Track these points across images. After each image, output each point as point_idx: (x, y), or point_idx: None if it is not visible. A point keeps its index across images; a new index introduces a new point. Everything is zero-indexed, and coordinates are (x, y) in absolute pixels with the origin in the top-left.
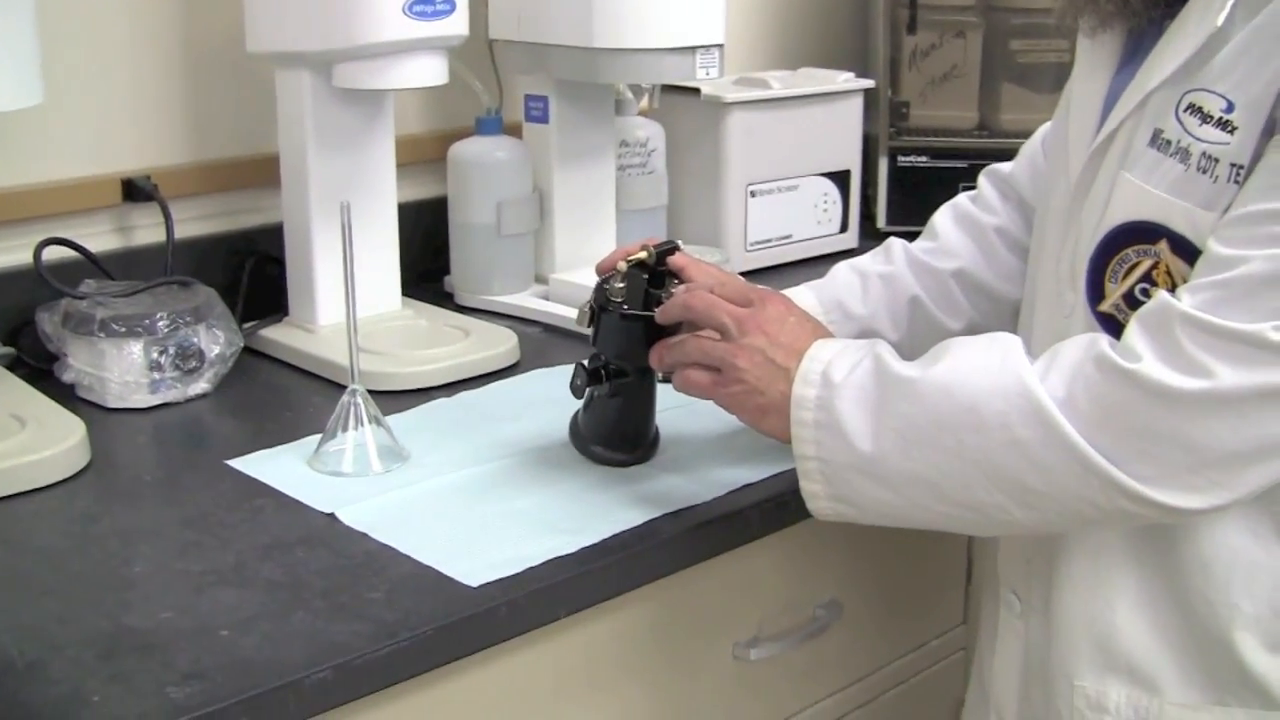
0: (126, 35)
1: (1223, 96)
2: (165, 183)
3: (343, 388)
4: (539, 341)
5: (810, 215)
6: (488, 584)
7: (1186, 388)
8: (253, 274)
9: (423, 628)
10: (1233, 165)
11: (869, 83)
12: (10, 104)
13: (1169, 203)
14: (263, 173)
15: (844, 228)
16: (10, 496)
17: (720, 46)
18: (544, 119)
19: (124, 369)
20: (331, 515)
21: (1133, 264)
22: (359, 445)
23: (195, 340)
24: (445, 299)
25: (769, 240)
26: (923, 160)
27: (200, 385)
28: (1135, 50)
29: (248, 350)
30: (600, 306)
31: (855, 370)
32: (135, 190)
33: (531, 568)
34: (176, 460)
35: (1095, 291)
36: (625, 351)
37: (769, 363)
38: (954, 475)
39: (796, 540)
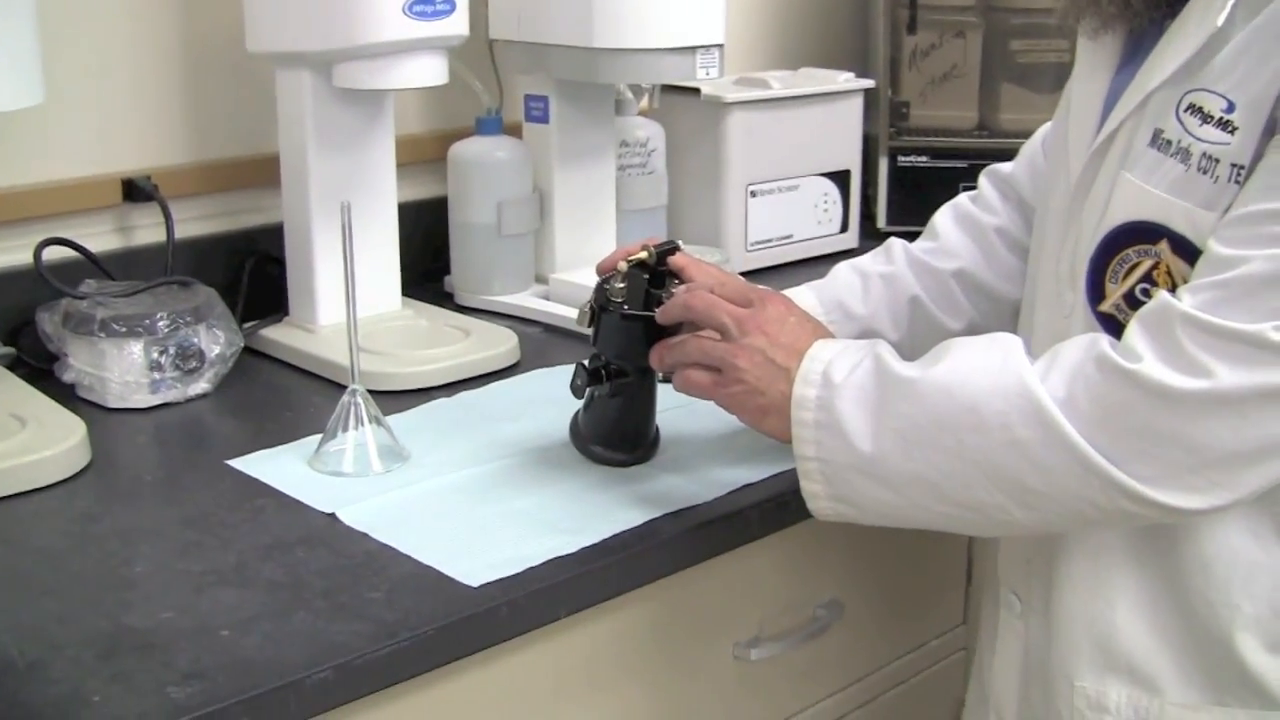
0: (127, 35)
1: (1223, 96)
2: (165, 183)
3: (343, 388)
4: (539, 341)
5: (810, 215)
6: (488, 584)
7: (1187, 388)
8: (253, 274)
9: (423, 628)
10: (1233, 165)
11: (869, 83)
12: (11, 104)
13: (1169, 203)
14: (263, 173)
15: (844, 228)
16: (10, 496)
17: (720, 46)
18: (544, 119)
19: (124, 369)
20: (332, 515)
21: (1133, 264)
22: (359, 445)
23: (195, 340)
24: (445, 299)
25: (769, 240)
26: (923, 160)
27: (200, 385)
28: (1135, 50)
29: (248, 350)
30: (601, 306)
31: (856, 370)
32: (135, 190)
33: (532, 568)
34: (177, 460)
35: (1095, 292)
36: (626, 351)
37: (769, 363)
38: (954, 475)
39: (797, 540)
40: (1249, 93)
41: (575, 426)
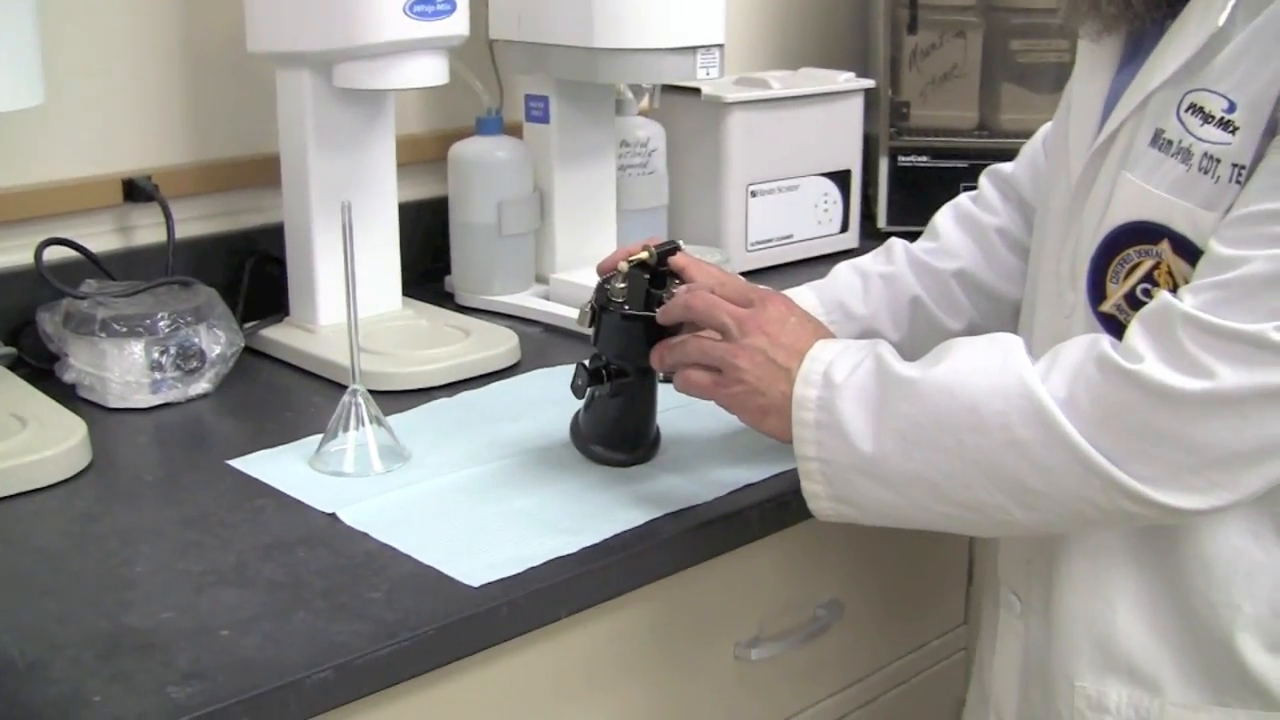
0: (127, 35)
1: (1224, 96)
2: (166, 183)
3: (343, 388)
4: (540, 341)
5: (811, 215)
6: (489, 584)
7: (1188, 388)
8: (253, 274)
9: (423, 628)
10: (1234, 165)
11: (869, 83)
12: (11, 104)
13: (1170, 203)
14: (263, 173)
15: (844, 228)
16: (11, 496)
17: (720, 46)
18: (544, 119)
19: (125, 369)
20: (332, 515)
21: (1134, 264)
22: (360, 445)
23: (196, 340)
24: (446, 299)
25: (770, 240)
26: (923, 160)
27: (201, 385)
28: (1136, 50)
29: (248, 350)
30: (601, 306)
31: (856, 371)
32: (136, 190)
33: (532, 568)
34: (177, 460)
35: (1096, 292)
36: (626, 351)
37: (770, 363)
38: (955, 475)
39: (797, 540)
40: (1250, 93)
41: (576, 426)
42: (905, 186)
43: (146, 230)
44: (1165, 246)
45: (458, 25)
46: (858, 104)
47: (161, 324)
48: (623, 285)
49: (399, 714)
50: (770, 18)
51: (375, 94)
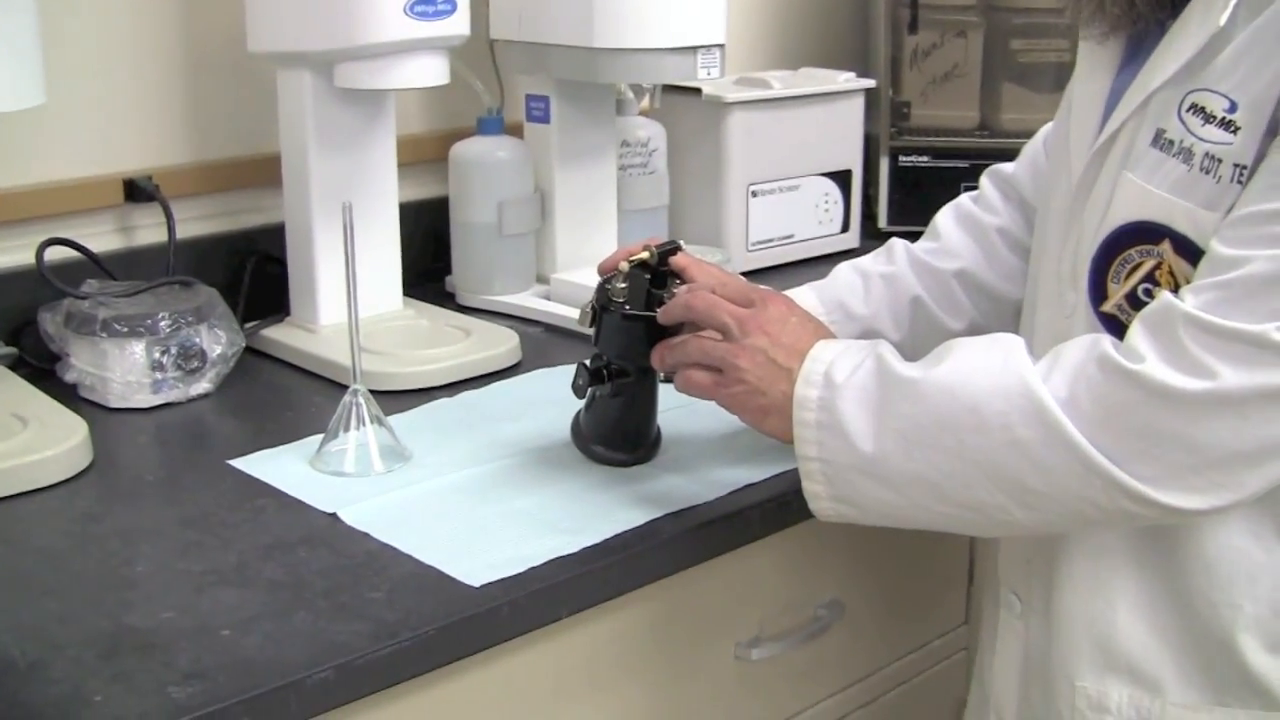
0: (128, 35)
1: (1225, 96)
2: (167, 183)
3: (344, 388)
4: (540, 341)
5: (811, 215)
6: (489, 584)
7: (1189, 388)
8: (254, 274)
9: (424, 628)
10: (1236, 165)
11: (870, 82)
12: (12, 104)
13: (1171, 203)
14: (264, 173)
15: (845, 228)
16: (12, 496)
17: (721, 46)
18: (545, 119)
19: (126, 369)
20: (333, 515)
21: (1135, 264)
22: (361, 445)
23: (197, 340)
24: (446, 299)
25: (770, 240)
26: (924, 160)
27: (202, 385)
28: (1137, 50)
29: (249, 350)
30: (602, 306)
31: (857, 371)
32: (137, 190)
33: (533, 568)
34: (178, 460)
35: (1097, 292)
36: (627, 351)
37: (771, 363)
38: (955, 476)
39: (798, 540)
40: (1251, 93)
41: (576, 426)
42: (906, 186)
43: (147, 230)
44: (1166, 246)
45: (458, 25)
46: (858, 104)
47: (162, 324)
48: (623, 285)
49: (399, 714)
50: (771, 18)
51: (376, 94)
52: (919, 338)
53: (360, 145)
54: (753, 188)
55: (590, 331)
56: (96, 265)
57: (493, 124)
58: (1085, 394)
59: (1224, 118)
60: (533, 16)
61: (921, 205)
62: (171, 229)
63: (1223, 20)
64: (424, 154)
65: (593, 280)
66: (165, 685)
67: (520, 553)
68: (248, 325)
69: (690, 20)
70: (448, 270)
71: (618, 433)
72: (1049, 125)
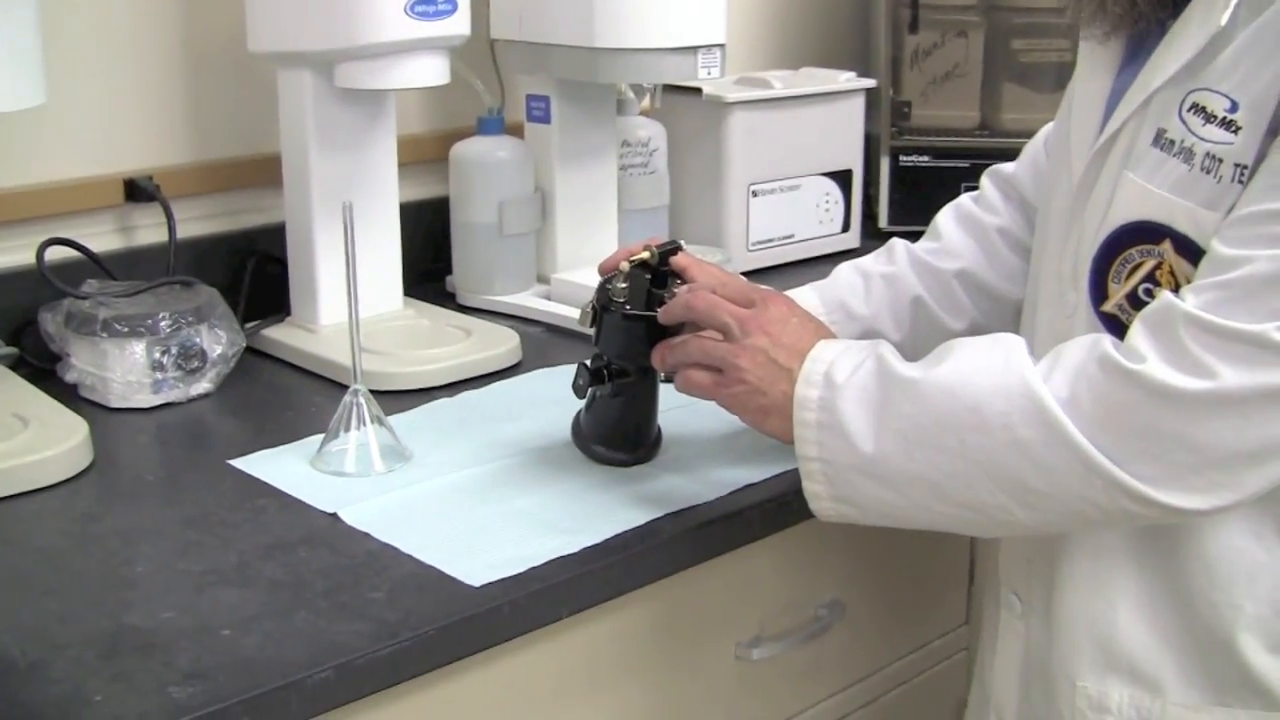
0: (128, 35)
1: (1226, 96)
2: (167, 183)
3: (345, 388)
4: (541, 341)
5: (812, 215)
6: (490, 584)
7: (1190, 388)
8: (255, 274)
9: (424, 628)
10: (1236, 165)
11: (870, 82)
12: (13, 104)
13: (1172, 202)
14: (264, 173)
15: (846, 228)
16: (12, 496)
17: (722, 46)
18: (545, 119)
19: (126, 369)
20: (334, 515)
21: (1136, 264)
22: (361, 445)
23: (197, 340)
24: (447, 299)
25: (771, 240)
26: (924, 160)
27: (202, 385)
28: (1137, 50)
29: (250, 350)
30: (602, 306)
31: (858, 371)
32: (137, 190)
33: (533, 567)
34: (178, 460)
35: (1098, 292)
36: (627, 351)
37: (771, 363)
38: (956, 476)
39: (798, 540)
40: (1252, 92)
41: (577, 426)
42: (907, 186)
43: (148, 230)
44: (1167, 246)
45: (459, 25)
46: (859, 104)
47: (163, 324)
48: (624, 285)
49: (400, 714)
50: (771, 17)
51: (376, 94)
52: (920, 338)
53: (361, 145)
54: (753, 187)
55: (591, 331)
56: (97, 265)
57: (493, 124)
58: (1086, 394)
59: (1225, 117)
60: (533, 16)
61: (922, 205)
62: (172, 229)
63: (1224, 20)
64: (424, 154)
65: (593, 280)
66: (165, 685)
67: (520, 553)
68: (248, 325)
69: (691, 20)
70: (448, 270)
71: (618, 433)
72: (1050, 125)
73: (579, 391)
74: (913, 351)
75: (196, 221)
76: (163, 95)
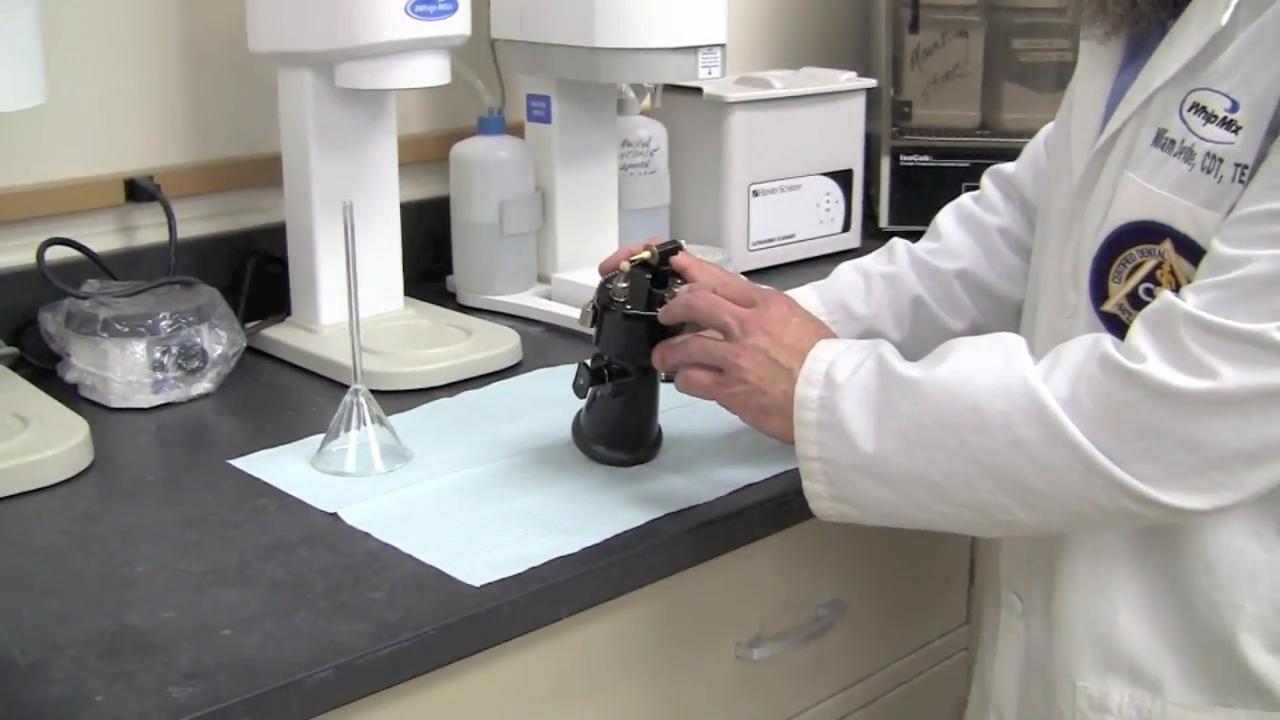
0: (129, 35)
1: (1227, 96)
2: (168, 182)
3: (345, 387)
4: (541, 341)
5: (813, 215)
6: (490, 584)
7: (1190, 388)
8: (255, 274)
9: (425, 627)
10: (1237, 165)
11: (871, 82)
12: (13, 104)
13: (1173, 202)
14: (265, 172)
15: (846, 227)
16: (13, 496)
17: (722, 46)
18: (546, 119)
19: (127, 369)
20: (334, 515)
21: (1136, 264)
22: (361, 445)
23: (198, 340)
24: (447, 299)
25: (771, 240)
26: (925, 160)
27: (203, 385)
28: (1138, 50)
29: (250, 350)
30: (603, 306)
31: (858, 371)
32: (138, 190)
33: (533, 567)
34: (179, 460)
35: (1098, 292)
36: (628, 351)
37: (772, 363)
38: (956, 475)
39: (798, 540)
40: (1252, 92)
41: (577, 426)
42: (907, 186)
43: (148, 230)
44: (1167, 246)
45: (459, 25)
46: (859, 103)
47: (163, 324)
48: (624, 285)
49: (400, 714)
50: (772, 17)
51: (377, 94)
52: (920, 338)
53: (361, 145)
54: (754, 187)
55: (591, 331)
56: (97, 265)
57: (494, 124)
58: (1086, 394)
59: (1225, 117)
60: (534, 16)
61: (923, 205)
62: (172, 229)
63: (1224, 20)
64: (425, 154)
65: (594, 280)
66: (166, 685)
67: (520, 552)
68: (248, 325)
69: (691, 20)
70: (448, 270)
71: (618, 432)
72: (1050, 125)
73: (579, 391)
74: (913, 351)
75: (197, 221)
76: (163, 95)
